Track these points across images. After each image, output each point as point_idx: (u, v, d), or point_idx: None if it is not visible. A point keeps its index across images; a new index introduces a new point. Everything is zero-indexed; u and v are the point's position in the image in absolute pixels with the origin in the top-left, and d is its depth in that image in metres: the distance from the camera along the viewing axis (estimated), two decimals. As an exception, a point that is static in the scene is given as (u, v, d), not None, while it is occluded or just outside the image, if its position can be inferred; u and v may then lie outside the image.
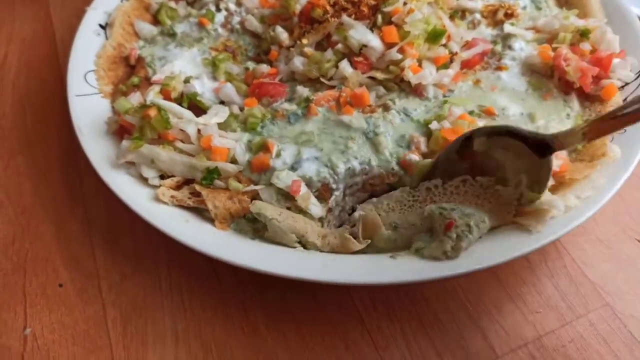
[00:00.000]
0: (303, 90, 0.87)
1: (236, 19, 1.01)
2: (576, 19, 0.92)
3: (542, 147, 0.69)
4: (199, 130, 0.81)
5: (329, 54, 0.88)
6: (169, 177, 0.80)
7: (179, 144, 0.81)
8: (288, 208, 0.76)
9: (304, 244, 0.73)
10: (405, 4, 0.87)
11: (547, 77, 0.87)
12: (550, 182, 0.72)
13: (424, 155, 0.79)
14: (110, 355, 0.73)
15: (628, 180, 0.73)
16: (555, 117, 0.83)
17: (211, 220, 0.76)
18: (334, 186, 0.77)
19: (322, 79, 0.87)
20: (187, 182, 0.81)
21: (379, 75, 0.86)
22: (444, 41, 0.87)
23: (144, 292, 0.79)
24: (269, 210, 0.74)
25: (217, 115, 0.83)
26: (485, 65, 0.90)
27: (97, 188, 0.86)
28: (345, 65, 0.86)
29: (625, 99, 0.85)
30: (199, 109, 0.86)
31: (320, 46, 0.91)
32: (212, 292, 0.78)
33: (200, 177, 0.79)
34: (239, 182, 0.78)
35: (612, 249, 0.80)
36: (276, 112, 0.85)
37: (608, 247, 0.80)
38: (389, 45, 0.85)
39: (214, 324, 0.75)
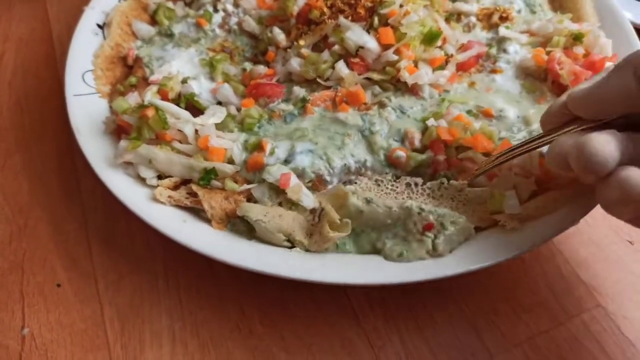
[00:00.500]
0: (300, 91, 0.87)
1: (234, 20, 1.01)
2: (570, 23, 0.93)
3: None
4: (196, 131, 0.81)
5: (325, 55, 0.88)
6: (166, 177, 0.81)
7: (177, 144, 0.81)
8: (280, 203, 0.76)
9: (292, 243, 0.74)
10: (401, 6, 0.87)
11: (540, 80, 0.88)
12: None
13: (417, 151, 0.79)
14: (108, 354, 0.74)
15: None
16: (549, 120, 0.83)
17: (208, 220, 0.77)
18: (328, 179, 0.78)
19: (318, 80, 0.88)
20: (185, 182, 0.81)
21: (375, 76, 0.86)
22: (439, 43, 0.88)
23: (141, 292, 0.79)
24: (254, 211, 0.74)
25: (215, 115, 0.84)
26: (480, 68, 0.91)
27: (94, 188, 0.87)
28: (341, 66, 0.86)
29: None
30: (196, 110, 0.86)
31: (317, 47, 0.91)
32: (209, 291, 0.79)
33: (198, 177, 0.79)
34: (236, 182, 0.79)
35: (604, 251, 0.81)
36: (273, 112, 0.85)
37: (600, 249, 0.81)
38: (385, 47, 0.85)
39: (211, 323, 0.76)
